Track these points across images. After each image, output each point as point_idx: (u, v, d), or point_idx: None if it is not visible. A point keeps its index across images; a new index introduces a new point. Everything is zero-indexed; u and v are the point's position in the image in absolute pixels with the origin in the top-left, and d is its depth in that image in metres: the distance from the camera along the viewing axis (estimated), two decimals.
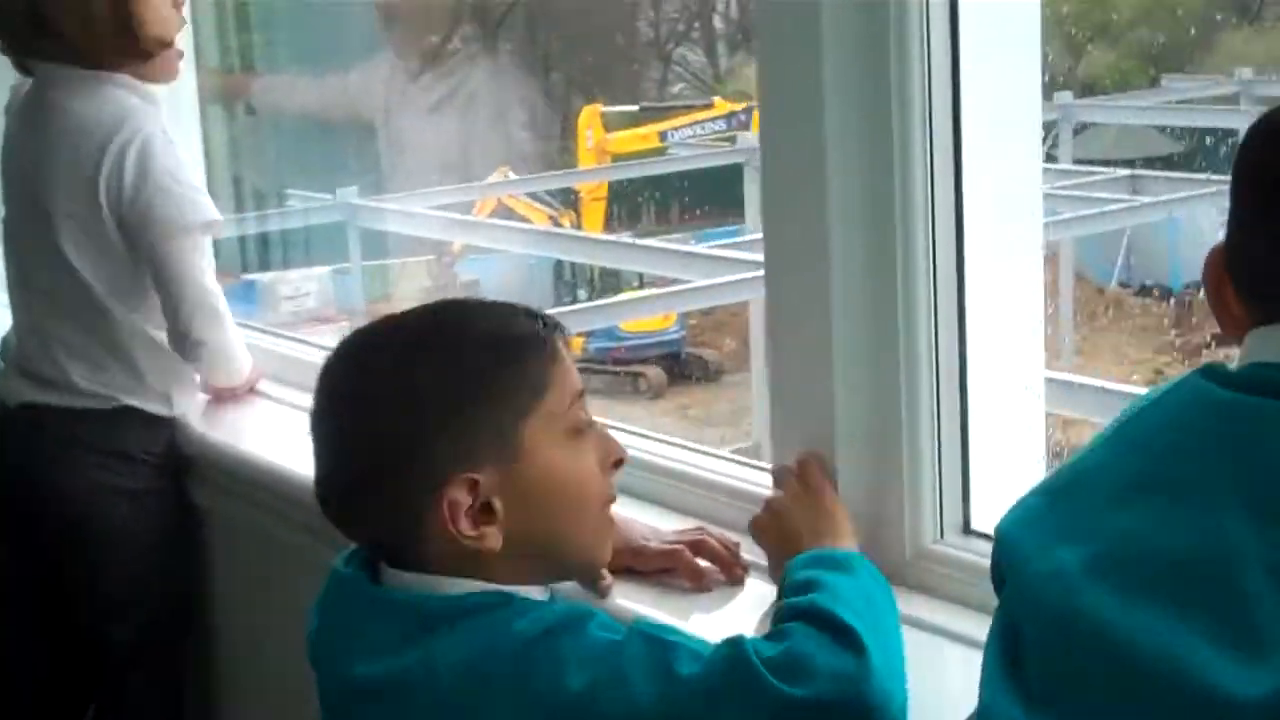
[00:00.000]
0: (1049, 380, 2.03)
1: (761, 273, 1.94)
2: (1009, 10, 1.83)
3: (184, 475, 2.84)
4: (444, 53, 16.65)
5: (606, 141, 15.52)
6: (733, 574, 1.90)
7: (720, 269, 10.33)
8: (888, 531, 1.87)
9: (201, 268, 2.73)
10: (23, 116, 2.79)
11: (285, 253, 10.86)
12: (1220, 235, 1.29)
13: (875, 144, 1.79)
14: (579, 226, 14.86)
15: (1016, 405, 1.90)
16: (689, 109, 17.21)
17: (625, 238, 14.12)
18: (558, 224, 14.58)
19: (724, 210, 15.92)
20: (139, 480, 2.79)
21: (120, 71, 2.71)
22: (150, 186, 2.67)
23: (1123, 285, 12.67)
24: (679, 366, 14.38)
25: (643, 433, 2.25)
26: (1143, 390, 1.36)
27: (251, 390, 2.95)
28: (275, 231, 10.25)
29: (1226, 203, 1.26)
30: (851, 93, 1.78)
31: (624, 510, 2.01)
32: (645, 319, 13.24)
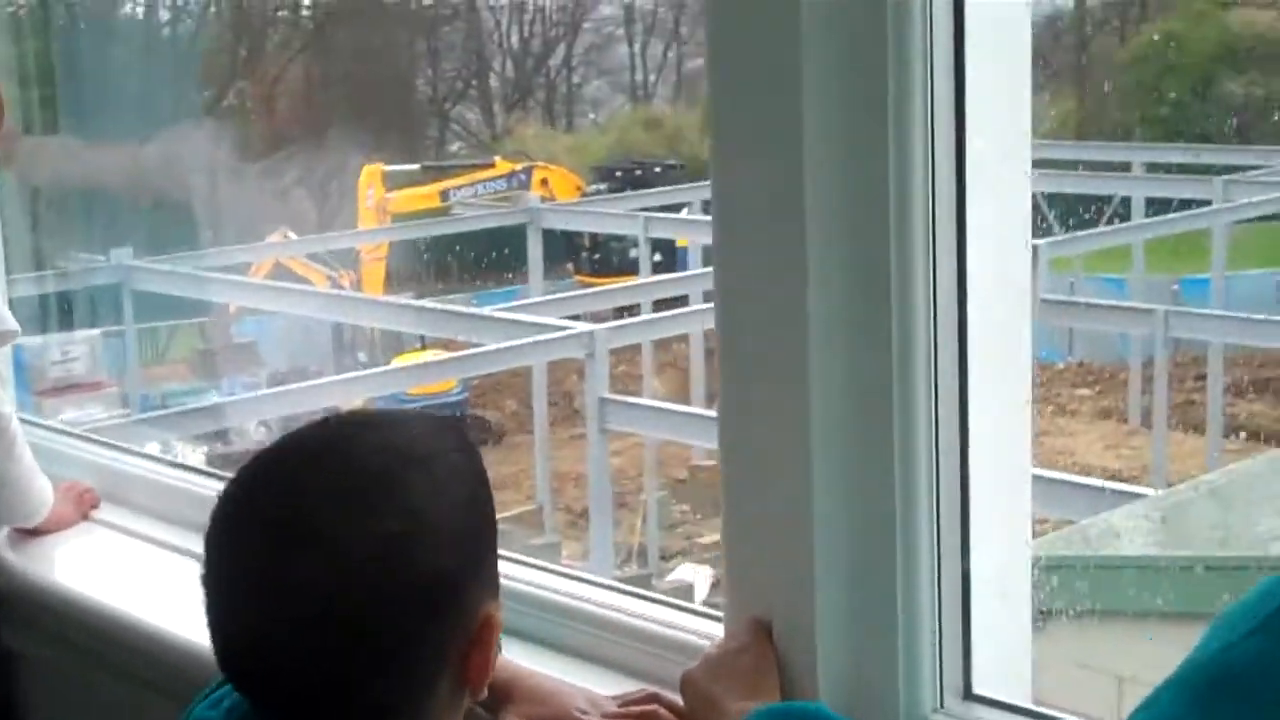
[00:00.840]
0: None
1: (546, 336, 1.64)
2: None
3: None
4: (219, 109, 16.15)
5: (387, 201, 15.34)
6: None
7: (502, 332, 10.14)
8: (877, 698, 1.58)
9: None
10: None
11: (56, 316, 10.37)
12: None
13: (865, 232, 1.52)
14: (358, 286, 14.65)
15: (1017, 552, 1.64)
16: (470, 168, 17.17)
17: (406, 298, 13.94)
18: (337, 284, 14.32)
19: (505, 270, 15.82)
20: None
21: None
22: None
23: None
24: None
25: (576, 574, 1.92)
26: None
27: (85, 518, 2.55)
28: (43, 295, 9.75)
29: None
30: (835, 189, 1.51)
31: (553, 669, 1.72)
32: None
